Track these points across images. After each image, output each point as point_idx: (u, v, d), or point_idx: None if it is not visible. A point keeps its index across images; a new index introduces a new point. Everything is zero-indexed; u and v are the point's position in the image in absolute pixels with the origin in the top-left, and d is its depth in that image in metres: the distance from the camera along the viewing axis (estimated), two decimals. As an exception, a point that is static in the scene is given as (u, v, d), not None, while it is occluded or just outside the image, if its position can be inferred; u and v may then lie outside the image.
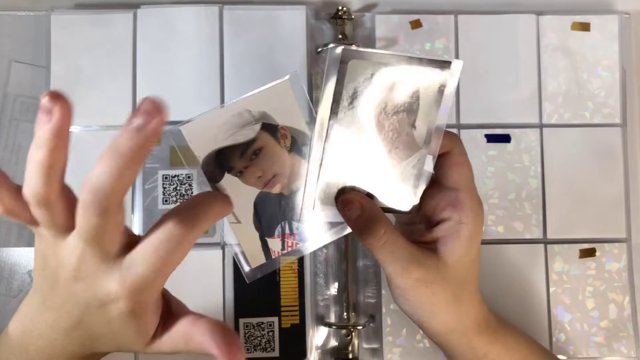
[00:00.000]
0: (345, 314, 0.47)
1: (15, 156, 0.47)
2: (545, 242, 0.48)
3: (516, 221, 0.48)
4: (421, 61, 0.30)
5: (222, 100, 0.47)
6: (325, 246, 0.47)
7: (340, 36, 0.48)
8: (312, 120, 0.33)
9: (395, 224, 0.39)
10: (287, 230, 0.36)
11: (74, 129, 0.46)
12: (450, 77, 0.31)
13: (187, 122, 0.33)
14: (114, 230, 0.26)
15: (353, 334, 0.47)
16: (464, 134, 0.48)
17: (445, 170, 0.34)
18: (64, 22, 0.47)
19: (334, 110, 0.31)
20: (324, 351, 0.47)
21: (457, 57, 0.48)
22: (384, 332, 0.46)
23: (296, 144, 0.34)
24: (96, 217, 0.25)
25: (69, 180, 0.27)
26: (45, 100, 0.23)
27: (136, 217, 0.46)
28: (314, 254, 0.47)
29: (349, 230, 0.35)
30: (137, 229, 0.46)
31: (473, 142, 0.48)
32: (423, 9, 0.49)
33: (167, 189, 0.46)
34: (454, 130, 0.48)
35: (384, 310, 0.47)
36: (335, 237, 0.36)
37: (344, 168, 0.33)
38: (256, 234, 0.36)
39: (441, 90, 0.31)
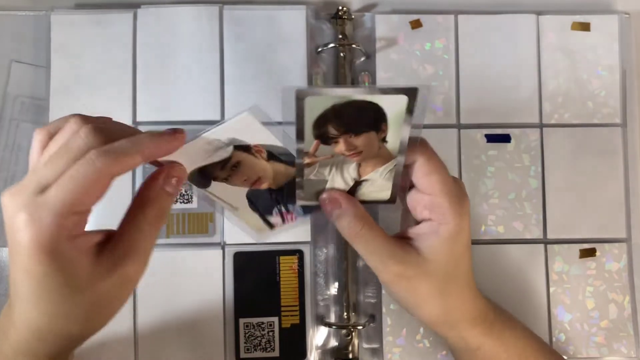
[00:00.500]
0: (345, 314, 0.47)
1: (15, 156, 0.47)
2: (545, 242, 0.48)
3: (516, 221, 0.48)
4: (384, 90, 0.29)
5: (222, 100, 0.47)
6: (326, 246, 0.48)
7: (340, 36, 0.48)
8: (285, 137, 0.32)
9: (402, 211, 0.39)
10: (283, 210, 0.38)
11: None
12: (419, 101, 0.29)
13: None
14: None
15: (353, 334, 0.47)
16: (464, 134, 0.48)
17: (417, 180, 0.34)
18: (64, 22, 0.47)
19: (301, 139, 0.30)
20: (324, 351, 0.47)
21: (457, 57, 0.48)
22: (384, 332, 0.46)
23: (273, 154, 0.34)
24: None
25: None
26: (174, 130, 0.30)
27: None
28: (314, 254, 0.47)
29: None
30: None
31: (473, 142, 0.48)
32: (423, 9, 0.49)
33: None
34: (454, 130, 0.48)
35: (384, 310, 0.47)
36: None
37: (323, 178, 0.34)
38: (255, 215, 0.37)
39: (409, 109, 0.29)
